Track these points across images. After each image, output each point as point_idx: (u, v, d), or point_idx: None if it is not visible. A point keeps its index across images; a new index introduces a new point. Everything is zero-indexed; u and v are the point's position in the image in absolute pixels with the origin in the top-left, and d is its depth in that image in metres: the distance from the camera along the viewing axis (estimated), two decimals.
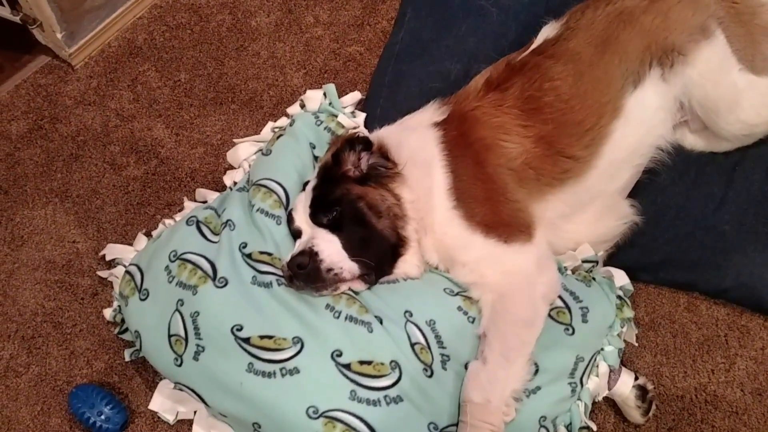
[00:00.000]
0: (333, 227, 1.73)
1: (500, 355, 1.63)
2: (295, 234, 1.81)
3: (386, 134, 1.91)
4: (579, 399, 1.76)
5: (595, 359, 1.79)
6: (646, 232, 1.95)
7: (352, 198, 1.76)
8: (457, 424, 1.64)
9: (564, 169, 1.82)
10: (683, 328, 1.96)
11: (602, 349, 1.81)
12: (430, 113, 1.95)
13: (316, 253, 1.68)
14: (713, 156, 2.03)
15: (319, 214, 1.75)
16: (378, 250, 1.75)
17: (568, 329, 1.74)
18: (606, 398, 1.83)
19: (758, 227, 1.96)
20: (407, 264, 1.80)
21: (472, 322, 1.72)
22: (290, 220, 1.83)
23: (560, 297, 1.77)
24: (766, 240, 1.95)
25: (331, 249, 1.70)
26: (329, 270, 1.68)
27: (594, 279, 1.87)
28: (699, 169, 2.03)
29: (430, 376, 1.66)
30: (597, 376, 1.79)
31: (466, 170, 1.78)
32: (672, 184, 2.01)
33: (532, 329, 1.67)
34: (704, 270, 1.96)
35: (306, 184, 1.89)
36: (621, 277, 1.88)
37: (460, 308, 1.73)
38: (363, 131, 2.06)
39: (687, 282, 1.99)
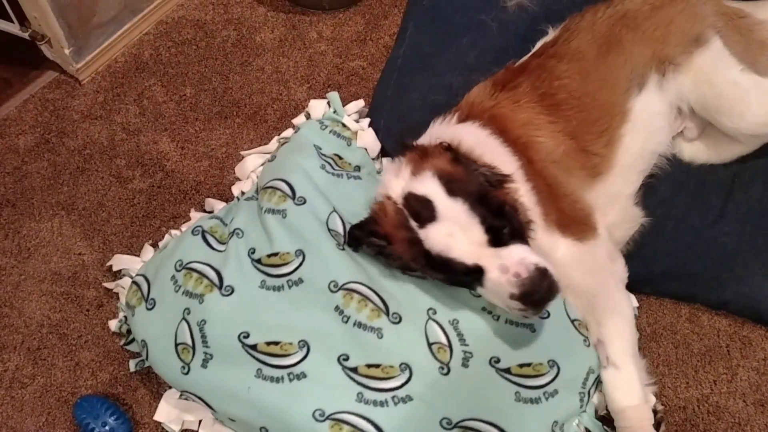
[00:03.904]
0: (510, 239, 1.55)
1: (624, 354, 1.71)
2: (474, 272, 1.54)
3: (453, 137, 1.75)
4: (584, 411, 1.76)
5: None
6: (646, 244, 1.95)
7: (507, 208, 1.60)
8: (474, 419, 1.64)
9: (594, 164, 1.82)
10: (685, 339, 1.96)
11: None
12: (447, 123, 1.88)
13: (545, 269, 1.49)
14: (712, 168, 2.05)
15: (499, 235, 1.54)
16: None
17: (585, 341, 1.77)
18: None
19: (757, 239, 1.97)
20: None
21: (497, 320, 1.71)
22: (456, 265, 1.55)
23: None
24: (766, 251, 1.95)
25: (542, 258, 1.53)
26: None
27: None
28: (698, 181, 2.04)
29: (447, 373, 1.65)
30: (601, 391, 1.79)
31: (525, 168, 1.74)
32: (671, 196, 2.01)
33: (632, 320, 1.77)
34: (704, 282, 1.96)
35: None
36: None
37: (484, 309, 1.72)
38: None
39: (687, 294, 1.99)
